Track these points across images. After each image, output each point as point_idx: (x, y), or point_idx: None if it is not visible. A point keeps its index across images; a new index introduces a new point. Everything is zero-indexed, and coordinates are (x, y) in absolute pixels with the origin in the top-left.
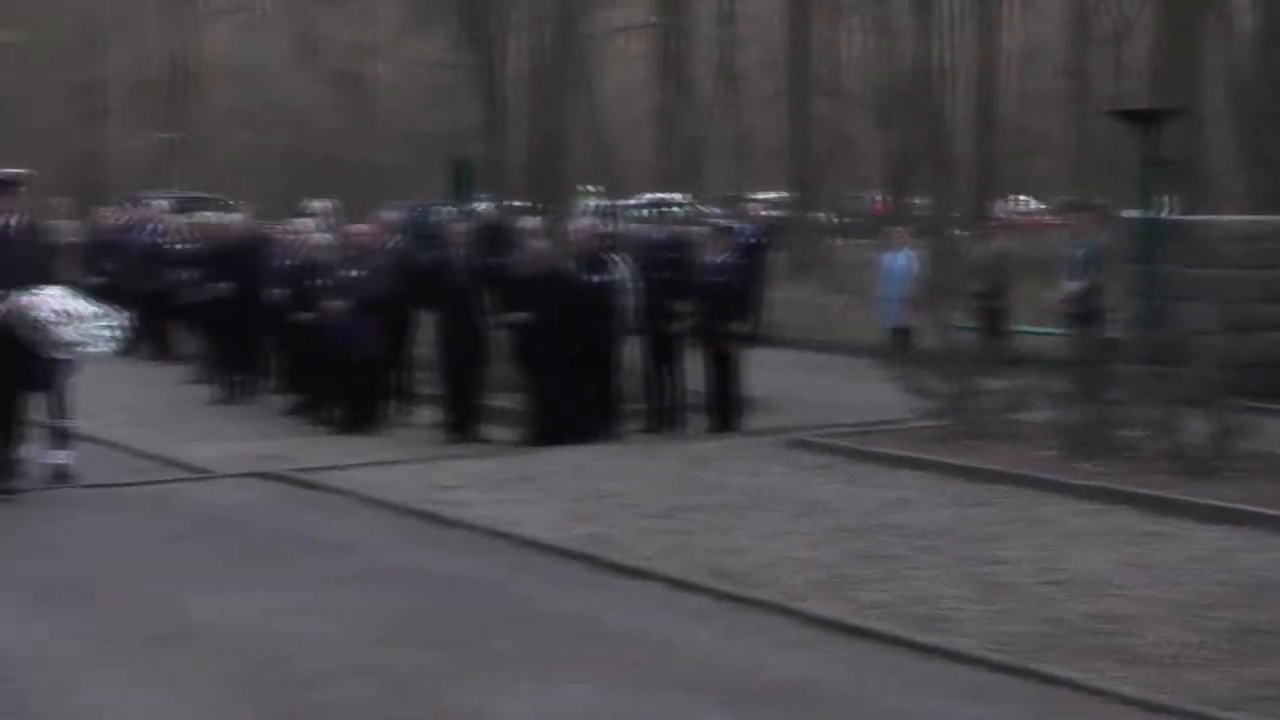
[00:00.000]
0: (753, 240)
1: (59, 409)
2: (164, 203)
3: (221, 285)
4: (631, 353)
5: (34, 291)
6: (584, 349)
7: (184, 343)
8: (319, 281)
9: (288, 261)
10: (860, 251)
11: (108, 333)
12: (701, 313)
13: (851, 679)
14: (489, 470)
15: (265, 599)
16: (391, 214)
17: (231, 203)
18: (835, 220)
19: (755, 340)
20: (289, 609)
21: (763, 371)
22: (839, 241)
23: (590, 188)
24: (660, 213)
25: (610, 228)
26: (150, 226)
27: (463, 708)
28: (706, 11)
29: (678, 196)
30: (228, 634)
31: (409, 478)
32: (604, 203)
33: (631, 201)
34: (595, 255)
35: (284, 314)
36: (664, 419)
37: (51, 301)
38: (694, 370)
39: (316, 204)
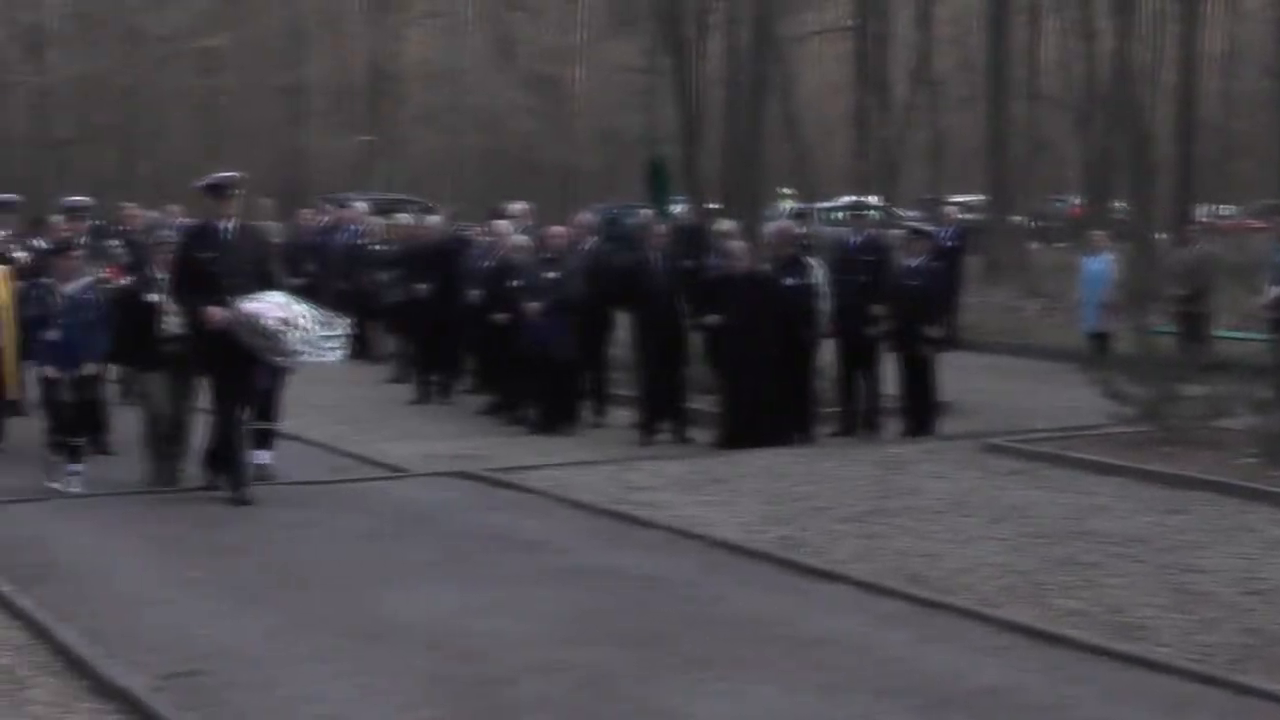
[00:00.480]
0: (949, 243)
1: (268, 411)
2: (363, 204)
3: (420, 286)
4: (826, 356)
5: (255, 297)
6: (779, 351)
7: (382, 343)
8: (516, 283)
9: (485, 263)
10: (1057, 255)
11: (332, 342)
12: (896, 316)
13: (1047, 687)
14: (682, 472)
15: (461, 596)
16: (588, 216)
17: (430, 205)
18: (1032, 224)
19: (950, 344)
20: (484, 606)
21: (957, 375)
22: (1035, 245)
23: (786, 190)
24: (856, 215)
25: (806, 230)
26: (350, 228)
27: (656, 708)
28: (904, 14)
29: (874, 199)
30: (424, 630)
31: (603, 478)
32: (800, 205)
33: (827, 204)
34: (791, 258)
35: (481, 315)
36: (858, 422)
37: (275, 309)
38: (888, 374)
39: (514, 206)
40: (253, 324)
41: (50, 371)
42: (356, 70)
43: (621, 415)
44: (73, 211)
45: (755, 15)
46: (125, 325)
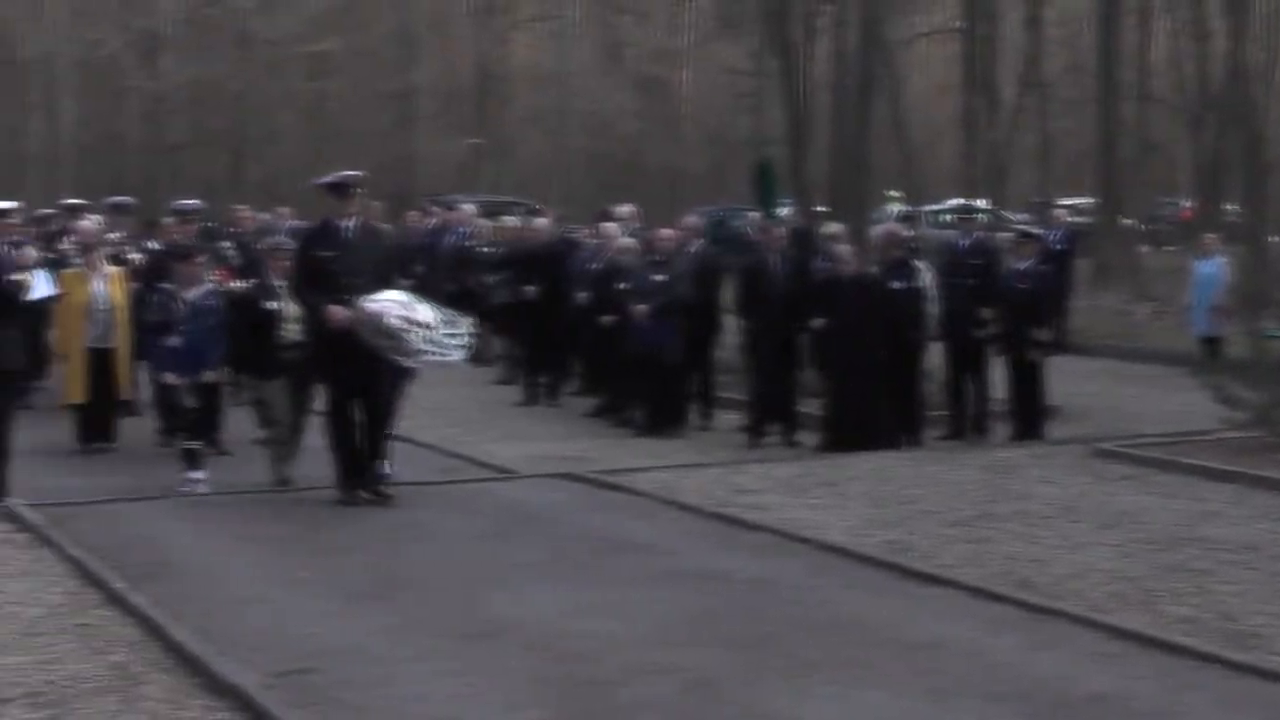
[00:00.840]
0: (1058, 246)
1: (385, 419)
2: (471, 206)
3: (528, 288)
4: (934, 359)
5: (377, 297)
6: (886, 354)
7: (491, 345)
8: (623, 285)
9: (592, 265)
10: (1167, 258)
11: (457, 341)
12: (1005, 319)
13: (1159, 694)
14: (790, 475)
15: (570, 597)
16: (694, 218)
17: (537, 207)
18: (1142, 226)
19: (1059, 347)
20: (591, 607)
21: (1067, 379)
22: (1145, 248)
23: (893, 192)
24: (963, 218)
25: (913, 233)
26: (458, 230)
27: (762, 711)
28: (1012, 15)
29: (981, 202)
30: (531, 630)
31: (711, 481)
32: (907, 208)
33: (935, 206)
34: (899, 260)
35: (588, 317)
36: (966, 426)
37: (397, 308)
38: (997, 377)
39: (621, 208)
40: (376, 324)
41: (170, 377)
42: (464, 74)
43: (728, 418)
44: (183, 214)
45: (863, 17)
46: (244, 332)
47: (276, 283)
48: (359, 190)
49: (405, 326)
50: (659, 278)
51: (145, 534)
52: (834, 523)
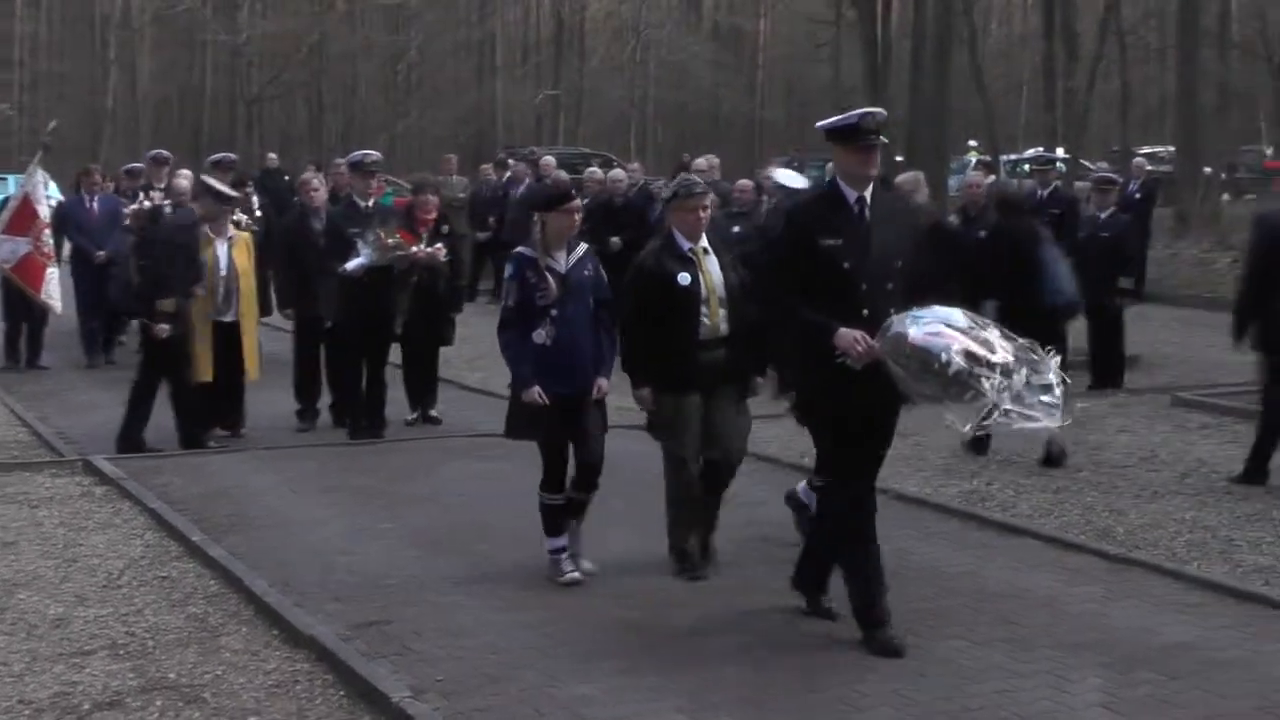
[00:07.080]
0: (1137, 195)
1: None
2: (550, 158)
3: (613, 240)
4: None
5: (920, 317)
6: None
7: None
8: None
9: None
10: (1247, 207)
11: (1048, 397)
12: (1084, 268)
13: (1238, 644)
14: None
15: (647, 547)
16: (774, 170)
17: (615, 159)
18: (1222, 175)
19: (1138, 296)
20: (666, 557)
21: (1146, 328)
22: (1225, 196)
23: (972, 142)
24: (1041, 168)
25: (992, 183)
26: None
27: (835, 662)
28: None
29: (1060, 151)
30: (613, 580)
31: (780, 431)
32: (986, 157)
33: (1014, 156)
34: (980, 210)
35: None
36: None
37: (959, 338)
38: (1075, 327)
39: (700, 160)
40: (923, 359)
41: (537, 394)
42: (542, 24)
43: None
44: (219, 166)
45: None
46: (649, 319)
47: (686, 245)
48: (879, 139)
49: (971, 369)
50: (737, 229)
51: (226, 487)
52: (910, 473)
